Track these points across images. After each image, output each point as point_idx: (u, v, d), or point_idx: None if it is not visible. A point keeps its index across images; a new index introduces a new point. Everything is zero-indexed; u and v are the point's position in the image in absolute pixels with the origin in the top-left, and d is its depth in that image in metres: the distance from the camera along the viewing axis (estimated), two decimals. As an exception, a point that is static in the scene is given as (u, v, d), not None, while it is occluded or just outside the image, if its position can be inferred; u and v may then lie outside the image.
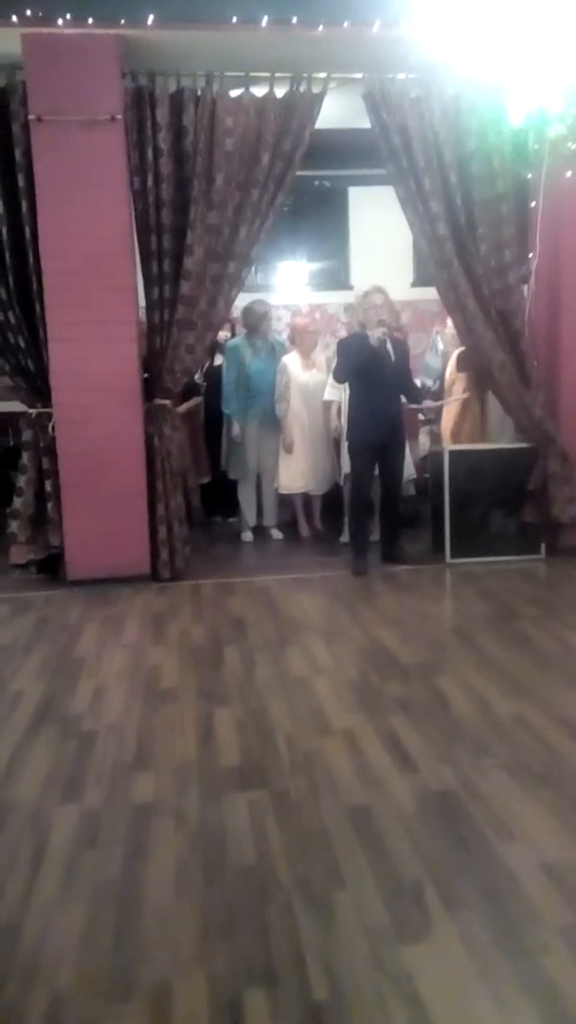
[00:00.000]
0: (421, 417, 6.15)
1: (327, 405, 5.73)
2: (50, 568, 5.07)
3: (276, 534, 6.08)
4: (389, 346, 4.98)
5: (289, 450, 5.82)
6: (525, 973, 1.73)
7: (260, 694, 3.29)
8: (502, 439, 5.59)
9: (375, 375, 4.92)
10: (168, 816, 2.41)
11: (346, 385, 5.27)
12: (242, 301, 5.64)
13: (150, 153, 4.76)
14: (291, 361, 5.86)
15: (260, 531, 6.12)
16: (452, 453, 5.24)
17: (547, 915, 1.91)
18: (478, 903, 1.96)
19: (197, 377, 6.29)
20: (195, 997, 1.70)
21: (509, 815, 2.34)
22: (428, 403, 5.62)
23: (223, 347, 6.13)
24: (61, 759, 2.80)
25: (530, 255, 5.19)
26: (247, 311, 5.98)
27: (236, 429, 5.89)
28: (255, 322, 5.89)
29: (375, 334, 4.89)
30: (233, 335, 6.50)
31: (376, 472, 5.14)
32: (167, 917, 1.97)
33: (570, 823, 2.29)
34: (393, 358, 5.00)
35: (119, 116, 4.66)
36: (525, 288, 5.26)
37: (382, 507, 5.27)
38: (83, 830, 2.35)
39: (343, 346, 5.14)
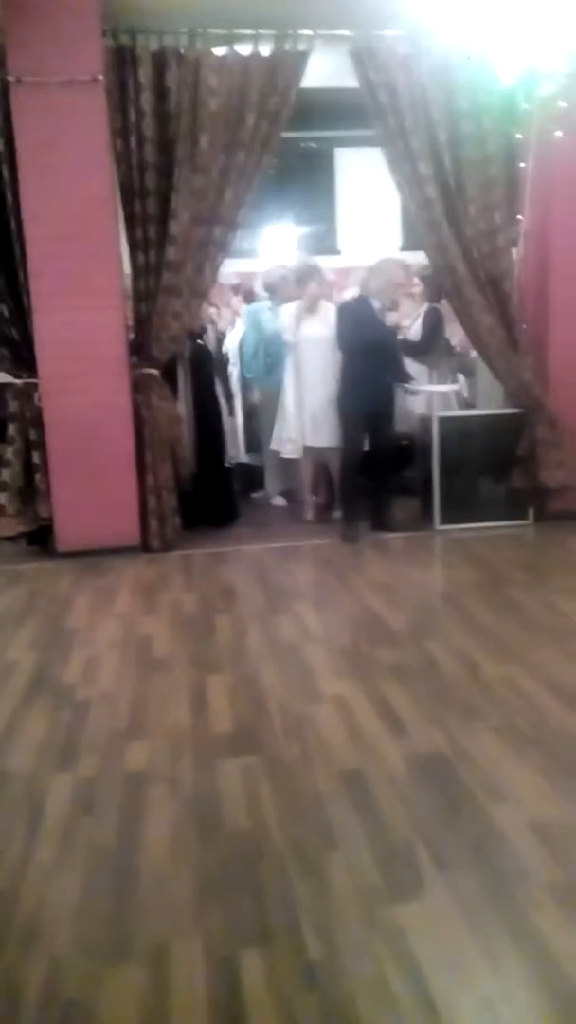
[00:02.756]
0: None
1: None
2: (40, 540, 5.06)
3: (279, 502, 5.98)
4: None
5: (288, 407, 5.45)
6: (515, 929, 1.77)
7: (252, 661, 3.31)
8: (490, 405, 5.58)
9: (376, 349, 4.91)
10: (162, 782, 2.44)
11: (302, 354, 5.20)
12: (228, 267, 5.54)
13: (132, 114, 4.66)
14: (293, 312, 5.38)
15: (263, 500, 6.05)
16: (441, 419, 5.23)
17: (536, 873, 1.95)
18: (469, 862, 2.00)
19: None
20: (192, 957, 1.73)
21: (499, 776, 2.38)
22: (419, 387, 5.50)
23: (206, 330, 5.70)
24: (55, 728, 2.82)
25: (519, 218, 5.14)
26: (268, 275, 5.80)
27: (258, 395, 5.73)
28: (275, 284, 5.67)
29: (393, 316, 4.90)
30: (250, 301, 6.33)
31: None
32: (163, 880, 2.00)
33: (558, 783, 2.34)
34: (392, 333, 5.01)
35: (100, 77, 4.54)
36: (514, 251, 5.22)
37: (372, 476, 5.26)
38: (78, 797, 2.38)
39: (350, 314, 5.00)
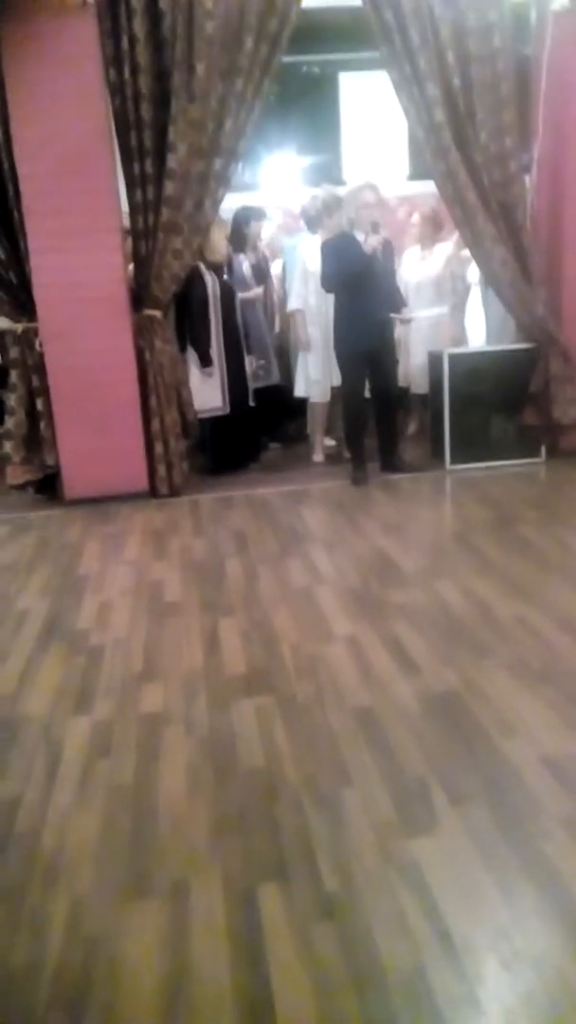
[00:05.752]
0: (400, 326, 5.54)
1: (293, 315, 5.34)
2: (48, 488, 5.05)
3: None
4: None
5: (307, 349, 5.36)
6: (527, 860, 1.80)
7: (263, 604, 3.32)
8: (502, 341, 5.46)
9: (366, 281, 4.70)
10: (178, 724, 2.46)
11: (311, 292, 5.04)
12: (229, 202, 5.36)
13: (125, 41, 4.45)
14: (307, 247, 5.31)
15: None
16: (451, 356, 5.12)
17: (548, 805, 1.97)
18: (481, 797, 2.02)
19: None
20: (211, 893, 1.77)
21: (510, 712, 2.39)
22: (416, 314, 5.36)
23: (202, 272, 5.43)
24: (70, 673, 2.85)
25: (532, 143, 4.94)
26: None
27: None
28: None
29: (371, 242, 4.66)
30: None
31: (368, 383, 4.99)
32: (180, 819, 2.03)
33: (569, 718, 2.35)
34: (383, 261, 4.80)
35: (91, 0, 4.33)
36: (527, 178, 5.03)
37: (378, 416, 5.17)
38: (95, 740, 2.41)
39: (331, 249, 4.77)
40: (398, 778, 2.12)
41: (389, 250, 4.94)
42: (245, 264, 5.59)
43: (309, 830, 1.94)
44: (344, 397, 5.11)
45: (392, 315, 4.96)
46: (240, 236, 5.58)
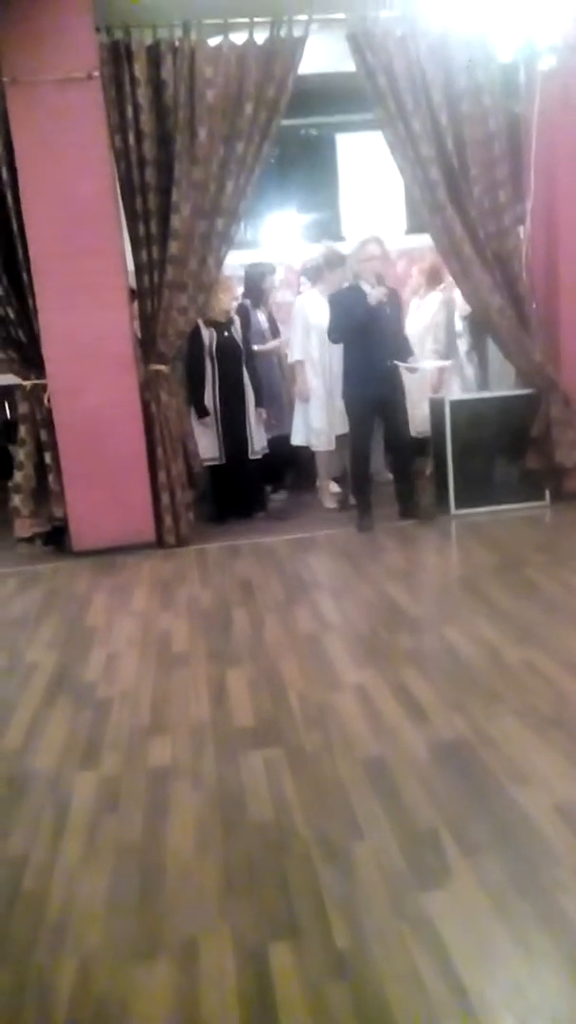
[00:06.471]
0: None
1: (297, 366, 5.44)
2: (55, 540, 5.09)
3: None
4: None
5: (305, 399, 5.46)
6: (543, 912, 1.76)
7: (270, 653, 3.31)
8: (502, 386, 5.53)
9: (372, 331, 4.80)
10: (186, 777, 2.44)
11: (313, 343, 5.14)
12: (232, 259, 5.50)
13: (130, 110, 4.64)
14: (308, 301, 5.45)
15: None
16: (453, 403, 5.18)
17: (562, 855, 1.94)
18: (494, 847, 1.99)
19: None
20: (221, 951, 1.74)
21: (521, 759, 2.36)
22: (421, 364, 5.43)
23: (234, 321, 5.51)
24: (78, 727, 2.83)
25: (526, 196, 5.08)
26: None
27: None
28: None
29: (375, 294, 4.78)
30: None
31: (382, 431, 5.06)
32: (190, 875, 2.00)
33: (583, 765, 2.32)
34: (388, 311, 4.91)
35: (95, 73, 4.53)
36: (521, 230, 5.15)
37: (393, 464, 5.22)
38: (103, 795, 2.39)
39: (337, 301, 4.92)
40: (409, 829, 2.09)
41: (396, 300, 5.07)
42: (261, 318, 5.76)
43: (320, 885, 1.91)
44: (351, 445, 5.17)
45: (399, 364, 5.02)
46: (257, 291, 5.75)
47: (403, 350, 5.08)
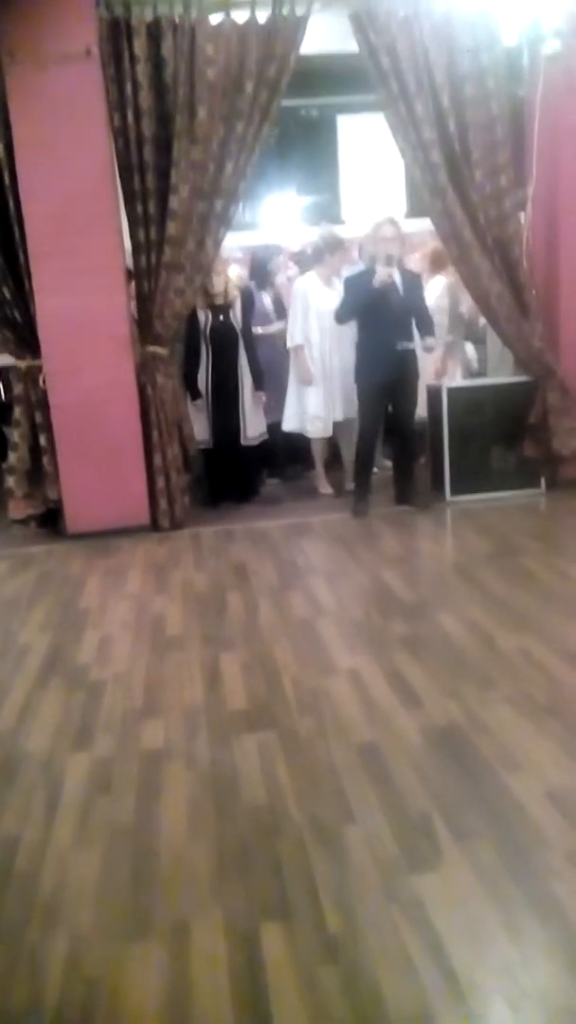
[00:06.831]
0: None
1: (296, 351, 5.31)
2: (50, 522, 5.06)
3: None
4: (398, 279, 4.80)
5: (308, 383, 5.31)
6: (534, 897, 1.77)
7: (264, 637, 3.31)
8: (500, 373, 5.51)
9: (381, 312, 4.75)
10: (179, 760, 2.44)
11: (312, 327, 5.13)
12: (231, 241, 5.45)
13: (129, 87, 4.57)
14: (309, 285, 5.30)
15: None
16: (450, 390, 5.16)
17: (554, 841, 1.95)
18: (486, 832, 2.00)
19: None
20: (213, 933, 1.74)
21: (514, 746, 2.37)
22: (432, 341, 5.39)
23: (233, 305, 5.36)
24: (71, 709, 2.83)
25: (527, 181, 5.04)
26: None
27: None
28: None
29: (380, 275, 4.73)
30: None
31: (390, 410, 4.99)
32: (182, 857, 2.01)
33: (575, 751, 2.32)
34: (402, 292, 4.84)
35: (94, 50, 4.46)
36: (522, 215, 5.12)
37: (397, 448, 5.20)
38: (96, 777, 2.39)
39: (350, 283, 4.90)
40: (401, 814, 2.10)
41: (415, 281, 5.02)
42: (267, 300, 5.70)
43: (312, 868, 1.92)
44: (360, 428, 5.11)
45: (410, 345, 4.92)
46: (263, 273, 5.70)
47: (426, 327, 4.92)
